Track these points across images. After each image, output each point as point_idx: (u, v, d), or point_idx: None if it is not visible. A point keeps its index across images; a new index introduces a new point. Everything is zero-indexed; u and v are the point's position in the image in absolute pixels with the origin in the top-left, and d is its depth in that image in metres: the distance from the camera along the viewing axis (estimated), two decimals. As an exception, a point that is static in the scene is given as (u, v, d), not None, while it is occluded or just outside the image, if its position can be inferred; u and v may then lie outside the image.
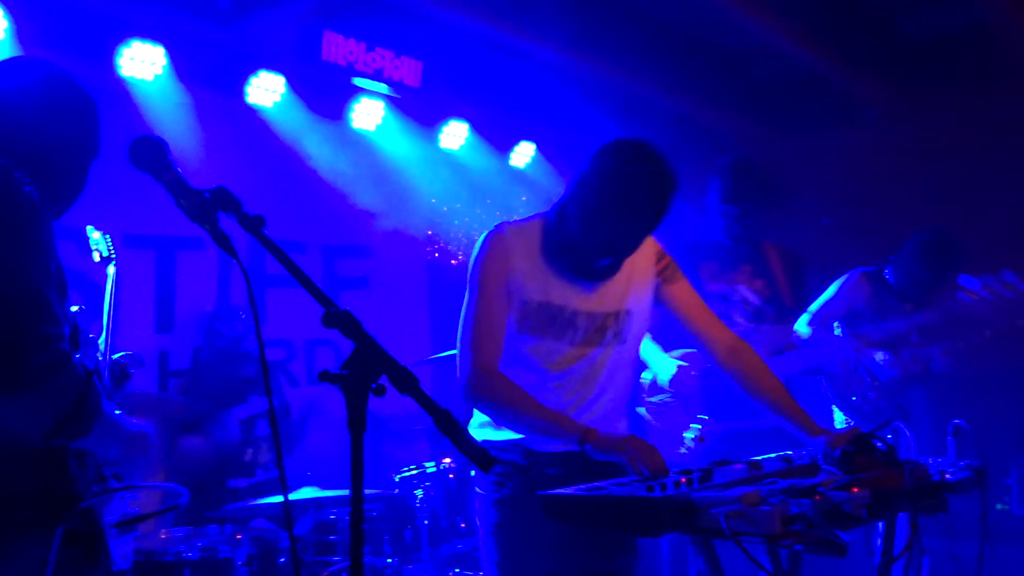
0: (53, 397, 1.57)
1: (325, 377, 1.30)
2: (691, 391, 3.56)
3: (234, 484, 4.54)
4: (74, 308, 1.85)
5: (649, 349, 3.62)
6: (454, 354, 4.26)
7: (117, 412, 2.00)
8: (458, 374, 2.43)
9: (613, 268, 2.50)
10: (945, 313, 3.54)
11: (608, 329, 2.52)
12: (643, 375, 3.77)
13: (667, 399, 3.74)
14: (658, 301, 2.63)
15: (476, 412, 2.60)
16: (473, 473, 2.76)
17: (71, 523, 1.70)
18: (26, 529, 1.63)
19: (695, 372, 3.49)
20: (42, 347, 1.54)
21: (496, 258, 2.45)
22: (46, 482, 1.66)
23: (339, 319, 1.33)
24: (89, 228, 3.05)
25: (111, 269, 2.96)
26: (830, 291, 4.20)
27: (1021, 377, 5.10)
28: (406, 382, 1.31)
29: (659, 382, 3.62)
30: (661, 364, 3.59)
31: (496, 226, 2.52)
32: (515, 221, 2.55)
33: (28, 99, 1.88)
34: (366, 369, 1.30)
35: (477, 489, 2.57)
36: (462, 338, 2.43)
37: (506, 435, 2.52)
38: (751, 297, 3.74)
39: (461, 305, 2.51)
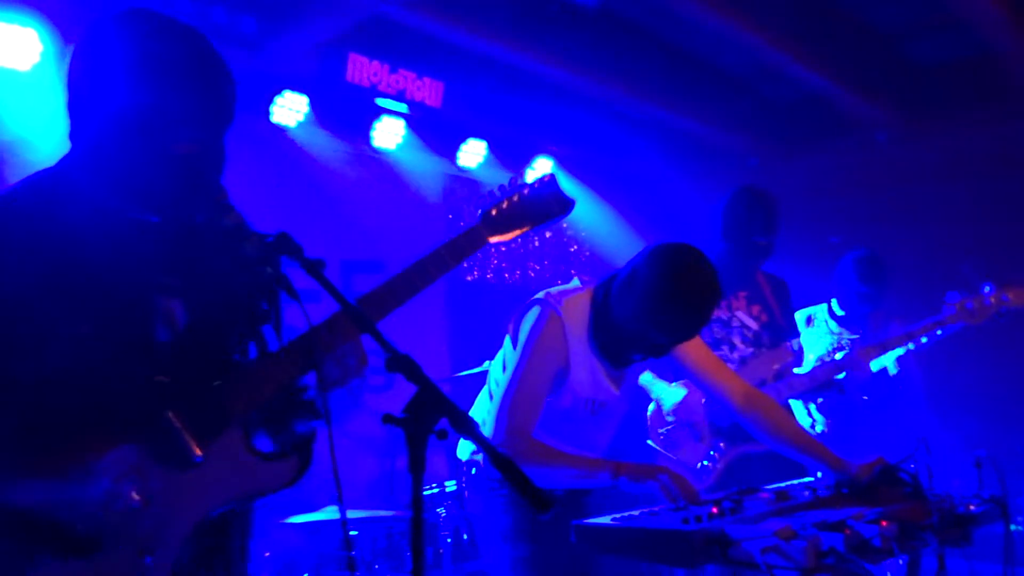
0: None
1: (388, 420, 1.35)
2: (698, 416, 3.61)
3: None
4: None
5: (650, 379, 3.70)
6: (474, 374, 4.35)
7: None
8: (492, 430, 2.54)
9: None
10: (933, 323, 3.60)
11: (624, 401, 2.78)
12: (648, 408, 3.81)
13: (671, 428, 3.78)
14: (669, 355, 2.75)
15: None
16: (474, 471, 2.84)
17: None
18: None
19: (703, 398, 3.55)
20: None
21: (554, 344, 2.56)
22: None
23: (402, 363, 1.38)
24: None
25: None
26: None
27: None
28: (465, 425, 1.36)
29: (664, 409, 3.67)
30: (666, 392, 3.67)
31: (550, 300, 2.59)
32: (565, 295, 2.63)
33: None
34: (427, 413, 1.35)
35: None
36: (505, 403, 2.53)
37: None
38: (750, 322, 3.79)
39: (498, 357, 2.68)
